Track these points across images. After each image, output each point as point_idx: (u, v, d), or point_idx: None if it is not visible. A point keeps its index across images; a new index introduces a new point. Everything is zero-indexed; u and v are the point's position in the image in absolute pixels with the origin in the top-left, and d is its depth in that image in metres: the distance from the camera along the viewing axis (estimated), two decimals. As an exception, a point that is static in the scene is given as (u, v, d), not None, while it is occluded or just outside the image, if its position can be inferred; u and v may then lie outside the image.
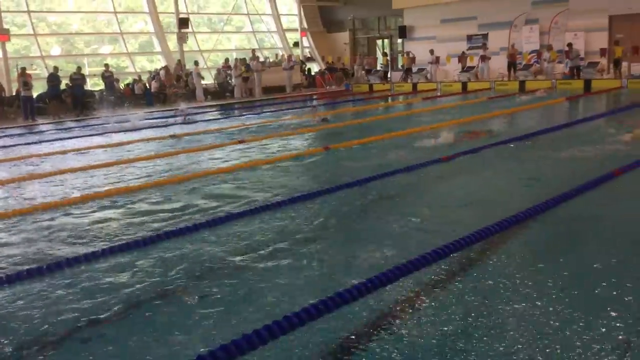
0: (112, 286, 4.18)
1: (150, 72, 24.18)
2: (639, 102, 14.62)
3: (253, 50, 26.18)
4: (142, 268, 4.51)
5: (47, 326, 3.62)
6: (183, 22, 24.33)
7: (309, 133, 12.43)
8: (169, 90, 23.13)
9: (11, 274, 4.40)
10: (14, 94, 20.07)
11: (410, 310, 3.55)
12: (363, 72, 27.35)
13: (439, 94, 22.05)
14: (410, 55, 25.82)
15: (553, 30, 22.78)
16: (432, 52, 24.64)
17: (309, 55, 30.94)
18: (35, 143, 13.04)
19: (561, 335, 3.14)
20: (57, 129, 16.41)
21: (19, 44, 23.19)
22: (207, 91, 23.96)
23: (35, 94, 19.49)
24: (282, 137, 11.66)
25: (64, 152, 11.18)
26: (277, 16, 30.86)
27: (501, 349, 3.04)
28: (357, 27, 31.18)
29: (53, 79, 19.15)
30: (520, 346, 3.05)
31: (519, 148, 8.92)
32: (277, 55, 28.34)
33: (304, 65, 28.48)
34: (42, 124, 17.88)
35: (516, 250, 4.54)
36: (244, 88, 24.03)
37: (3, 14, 20.66)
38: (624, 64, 20.12)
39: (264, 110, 18.37)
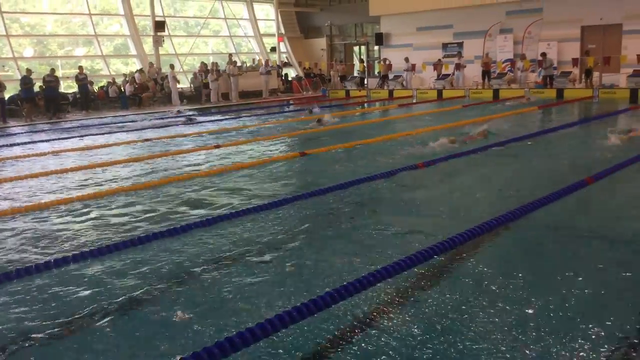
0: (69, 295, 4.12)
1: (125, 75, 23.93)
2: (609, 111, 14.92)
3: (230, 55, 26.09)
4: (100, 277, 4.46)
5: None
6: (159, 25, 24.14)
7: (286, 138, 12.42)
8: (144, 94, 22.93)
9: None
10: (-16, 95, 19.66)
11: (378, 319, 3.56)
12: (338, 78, 27.51)
13: (414, 100, 22.24)
14: (387, 62, 26.00)
15: (527, 39, 23.15)
16: (407, 59, 24.88)
17: (286, 61, 30.96)
18: (6, 146, 12.78)
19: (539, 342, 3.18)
20: (29, 132, 16.13)
21: (-9, 45, 22.78)
22: (182, 95, 23.81)
23: (6, 96, 19.15)
24: (259, 142, 11.63)
25: (36, 155, 11.00)
26: (254, 21, 30.83)
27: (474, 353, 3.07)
28: (334, 34, 31.30)
29: (27, 81, 18.83)
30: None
31: (495, 154, 9.02)
32: (254, 60, 28.29)
33: (280, 71, 28.48)
34: (14, 126, 17.57)
35: (490, 256, 4.59)
36: (219, 92, 23.91)
37: (-26, 14, 20.27)
38: (595, 74, 20.50)
39: (241, 115, 18.30)
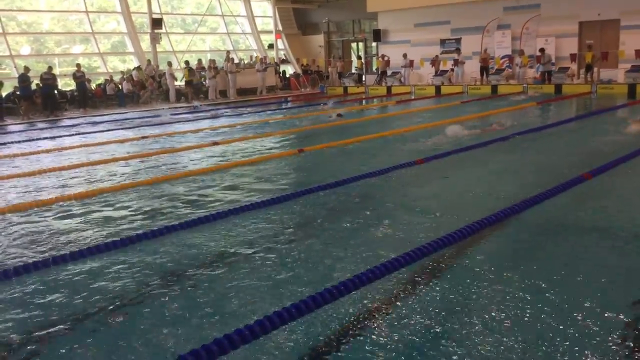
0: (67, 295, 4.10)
1: (122, 72, 23.87)
2: (608, 107, 14.91)
3: (227, 52, 26.06)
4: (105, 274, 4.44)
5: None
6: (156, 23, 24.08)
7: (284, 135, 12.40)
8: (142, 91, 22.88)
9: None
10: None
11: (375, 317, 3.55)
12: (336, 75, 27.48)
13: (412, 97, 22.21)
14: (385, 59, 25.96)
15: (524, 35, 23.12)
16: (405, 56, 24.85)
17: (284, 58, 30.90)
18: (3, 144, 12.74)
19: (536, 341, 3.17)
20: (27, 130, 16.09)
21: (-12, 43, 22.70)
22: (180, 92, 23.76)
23: (4, 94, 19.11)
24: (256, 140, 11.61)
25: (33, 153, 10.96)
26: (251, 18, 30.76)
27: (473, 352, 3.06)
28: (332, 30, 31.25)
29: (25, 79, 18.77)
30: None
31: (493, 150, 9.01)
32: (251, 57, 28.23)
33: (278, 67, 28.43)
34: (11, 124, 17.52)
35: (487, 253, 4.58)
36: (216, 89, 23.87)
37: (-29, 12, 20.21)
38: (594, 70, 20.51)
39: (238, 112, 18.28)
